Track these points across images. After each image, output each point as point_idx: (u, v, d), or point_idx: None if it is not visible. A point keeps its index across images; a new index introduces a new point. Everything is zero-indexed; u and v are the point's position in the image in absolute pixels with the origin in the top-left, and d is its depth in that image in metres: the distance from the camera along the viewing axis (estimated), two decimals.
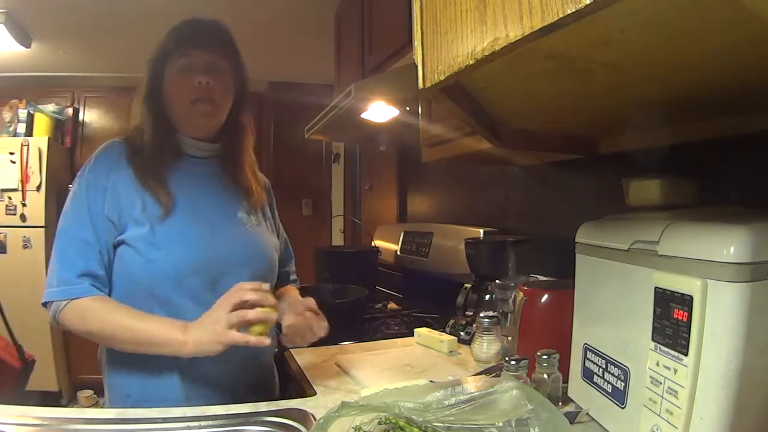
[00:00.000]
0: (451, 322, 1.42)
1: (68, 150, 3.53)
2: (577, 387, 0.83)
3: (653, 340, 0.63)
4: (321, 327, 1.03)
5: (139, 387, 0.94)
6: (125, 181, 0.95)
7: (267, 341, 0.85)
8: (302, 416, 0.84)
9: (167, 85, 0.99)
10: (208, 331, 0.84)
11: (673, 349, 0.59)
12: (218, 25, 1.03)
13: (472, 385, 0.69)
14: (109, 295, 0.94)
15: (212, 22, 1.02)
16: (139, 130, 1.00)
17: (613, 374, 0.73)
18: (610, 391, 0.73)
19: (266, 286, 0.88)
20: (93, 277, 0.92)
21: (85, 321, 0.89)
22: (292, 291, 1.17)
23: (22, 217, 3.11)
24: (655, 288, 0.63)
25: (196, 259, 0.94)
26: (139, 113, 1.01)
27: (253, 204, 1.08)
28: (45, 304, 0.92)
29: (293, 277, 1.24)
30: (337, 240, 3.82)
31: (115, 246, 0.94)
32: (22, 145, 3.09)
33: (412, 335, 1.42)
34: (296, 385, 1.14)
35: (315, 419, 0.80)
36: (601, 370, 0.76)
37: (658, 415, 0.61)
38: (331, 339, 1.41)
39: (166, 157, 0.98)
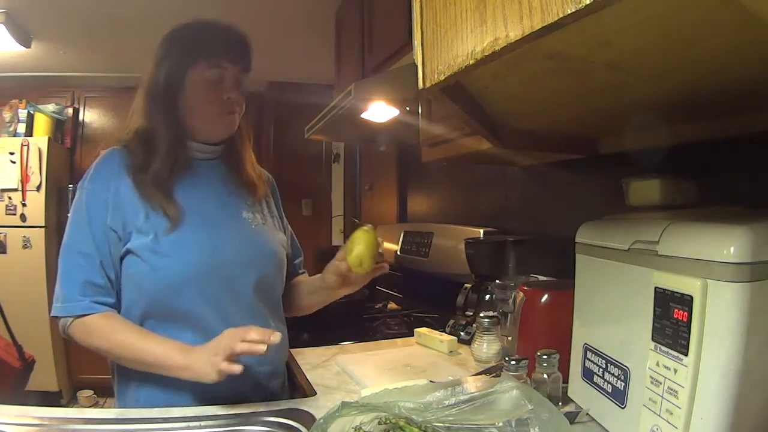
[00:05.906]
0: (451, 322, 1.42)
1: (68, 150, 3.52)
2: (577, 387, 0.83)
3: (653, 340, 0.63)
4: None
5: (149, 397, 0.92)
6: (127, 191, 0.93)
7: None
8: (302, 416, 0.84)
9: (191, 92, 0.96)
10: (206, 360, 0.82)
11: (673, 349, 0.59)
12: (245, 36, 1.01)
13: (472, 385, 0.69)
14: (119, 306, 0.93)
15: (240, 33, 1.01)
16: (141, 135, 0.97)
17: (613, 374, 0.73)
18: (610, 391, 0.73)
19: (277, 336, 0.82)
20: (95, 289, 0.90)
21: (91, 337, 0.89)
22: (304, 278, 1.17)
23: (22, 217, 3.11)
24: (655, 288, 0.63)
25: (203, 264, 0.93)
26: (143, 114, 0.98)
27: (257, 199, 1.07)
28: (55, 317, 0.92)
29: (302, 270, 1.23)
30: (337, 240, 3.81)
31: (122, 256, 0.93)
32: (22, 145, 3.09)
33: (412, 335, 1.42)
34: (296, 385, 1.14)
35: (315, 419, 0.80)
36: (601, 370, 0.76)
37: (658, 415, 0.61)
38: (331, 339, 1.42)
39: (177, 167, 0.96)
